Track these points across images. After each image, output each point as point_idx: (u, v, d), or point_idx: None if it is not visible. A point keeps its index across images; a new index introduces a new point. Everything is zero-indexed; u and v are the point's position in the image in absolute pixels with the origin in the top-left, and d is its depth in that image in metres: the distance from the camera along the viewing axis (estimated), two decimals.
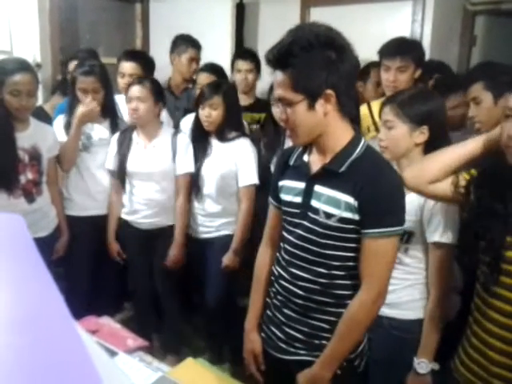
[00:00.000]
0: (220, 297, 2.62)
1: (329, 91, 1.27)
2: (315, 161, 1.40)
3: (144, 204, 2.60)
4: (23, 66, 2.30)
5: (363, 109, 2.62)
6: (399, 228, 1.33)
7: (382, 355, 1.63)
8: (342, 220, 1.32)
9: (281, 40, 1.28)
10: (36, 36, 3.32)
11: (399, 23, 3.56)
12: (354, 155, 1.34)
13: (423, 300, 1.71)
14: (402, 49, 2.37)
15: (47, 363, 0.36)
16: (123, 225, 2.71)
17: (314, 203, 1.37)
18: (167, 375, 1.34)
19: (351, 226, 1.33)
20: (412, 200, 1.67)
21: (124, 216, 2.69)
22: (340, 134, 1.35)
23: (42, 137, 2.41)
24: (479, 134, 2.01)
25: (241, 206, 2.54)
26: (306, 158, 1.43)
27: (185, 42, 3.31)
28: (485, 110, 1.91)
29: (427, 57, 3.38)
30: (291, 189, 1.45)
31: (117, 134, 2.66)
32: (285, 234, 1.49)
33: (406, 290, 1.72)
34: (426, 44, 3.46)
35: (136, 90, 2.49)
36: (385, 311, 1.70)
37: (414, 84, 2.47)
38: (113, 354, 1.39)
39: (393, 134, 1.70)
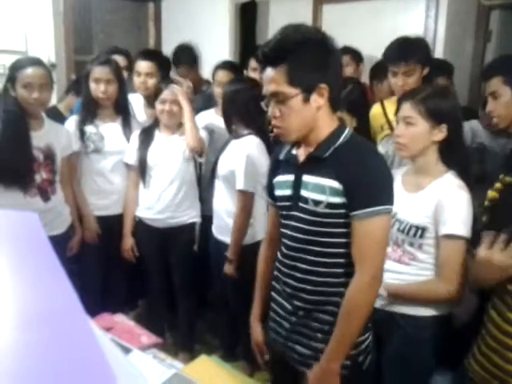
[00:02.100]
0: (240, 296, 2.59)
1: (323, 85, 1.31)
2: (302, 152, 1.43)
3: (162, 199, 2.62)
4: (35, 61, 2.35)
5: (377, 107, 2.59)
6: (386, 207, 1.31)
7: (396, 354, 1.62)
8: (330, 205, 1.33)
9: (272, 38, 1.32)
10: (50, 37, 3.36)
11: (413, 19, 3.53)
12: (338, 143, 1.36)
13: None
14: (405, 53, 2.30)
15: (62, 359, 0.37)
16: (139, 223, 2.73)
17: (303, 193, 1.39)
18: (181, 372, 1.34)
19: (339, 211, 1.33)
20: (425, 196, 1.67)
21: (141, 213, 2.71)
22: (326, 125, 1.38)
23: (55, 136, 2.43)
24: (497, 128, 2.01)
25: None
26: (294, 151, 1.46)
27: (181, 57, 3.40)
28: (503, 105, 1.88)
29: (441, 53, 3.36)
30: (282, 183, 1.48)
31: (138, 131, 2.70)
32: (282, 230, 1.51)
33: None
34: (440, 40, 3.43)
35: (170, 94, 2.56)
36: (398, 308, 1.69)
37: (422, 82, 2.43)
38: (127, 350, 1.40)
39: (413, 131, 1.68)
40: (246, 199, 2.40)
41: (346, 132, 1.39)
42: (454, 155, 1.71)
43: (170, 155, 2.60)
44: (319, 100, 1.32)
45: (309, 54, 1.29)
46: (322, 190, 1.34)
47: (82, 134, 2.62)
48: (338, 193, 1.32)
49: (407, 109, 1.69)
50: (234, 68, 3.01)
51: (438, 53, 3.38)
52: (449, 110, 1.69)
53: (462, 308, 1.74)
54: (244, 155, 2.38)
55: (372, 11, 3.62)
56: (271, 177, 1.56)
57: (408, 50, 2.33)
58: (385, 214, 1.32)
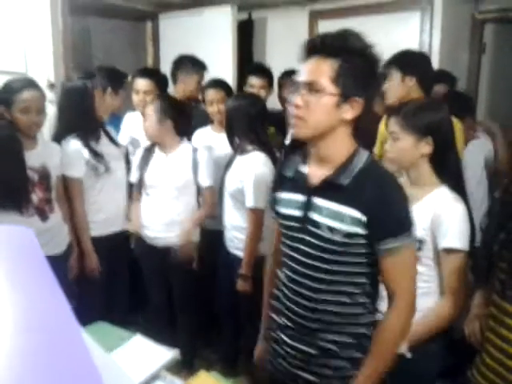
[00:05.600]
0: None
1: (360, 99, 1.26)
2: (314, 172, 1.36)
3: (159, 217, 2.61)
4: (30, 83, 2.33)
5: (383, 123, 2.54)
6: (412, 238, 1.33)
7: (398, 366, 1.60)
8: (349, 235, 1.28)
9: (337, 31, 1.27)
10: (50, 57, 3.38)
11: (408, 34, 3.58)
12: (358, 168, 1.30)
13: None
14: (390, 60, 2.34)
15: (52, 368, 0.37)
16: (138, 240, 2.72)
17: (315, 217, 1.31)
18: None
19: (359, 241, 1.29)
20: (422, 208, 1.67)
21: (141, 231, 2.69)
22: (343, 145, 1.32)
23: (49, 155, 2.41)
24: None
25: None
26: (303, 169, 1.39)
27: (192, 65, 3.28)
28: None
29: (436, 66, 3.39)
30: (290, 201, 1.40)
31: (141, 149, 2.71)
32: (286, 251, 1.43)
33: (421, 299, 1.70)
34: (435, 53, 3.47)
35: (148, 108, 2.60)
36: None
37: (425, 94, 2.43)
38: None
39: (399, 146, 1.69)
40: (256, 216, 2.41)
41: (366, 156, 1.33)
42: (445, 169, 1.71)
43: (168, 174, 2.59)
44: (349, 112, 1.26)
45: (363, 64, 1.25)
46: (340, 218, 1.27)
47: (96, 154, 2.55)
48: (359, 223, 1.26)
49: (392, 124, 1.72)
50: (224, 85, 3.00)
51: (434, 65, 3.40)
52: (434, 122, 1.68)
53: (463, 320, 1.73)
54: (252, 173, 2.39)
55: (367, 26, 3.58)
56: (275, 191, 1.48)
57: (392, 56, 2.36)
58: (411, 243, 1.32)
